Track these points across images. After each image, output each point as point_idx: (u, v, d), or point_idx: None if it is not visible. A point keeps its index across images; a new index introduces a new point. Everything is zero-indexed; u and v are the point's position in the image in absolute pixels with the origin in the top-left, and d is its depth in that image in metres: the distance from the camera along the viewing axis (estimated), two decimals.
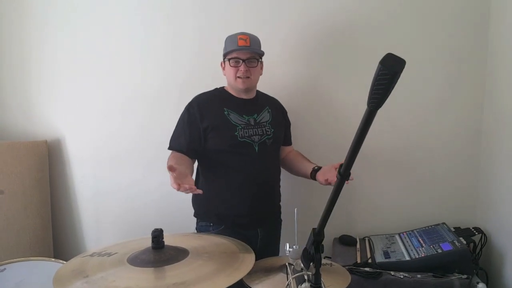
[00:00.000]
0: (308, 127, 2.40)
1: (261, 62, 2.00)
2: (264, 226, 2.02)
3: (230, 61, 1.92)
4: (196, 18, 2.43)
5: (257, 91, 2.09)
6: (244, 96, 2.01)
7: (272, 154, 2.05)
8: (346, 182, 0.92)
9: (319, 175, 1.92)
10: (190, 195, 2.06)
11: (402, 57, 0.68)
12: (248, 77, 1.93)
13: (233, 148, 1.90)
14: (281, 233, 2.16)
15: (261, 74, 2.03)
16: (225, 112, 1.94)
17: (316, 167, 1.99)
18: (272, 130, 2.01)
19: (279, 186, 2.13)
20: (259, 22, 2.35)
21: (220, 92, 2.04)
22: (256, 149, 1.93)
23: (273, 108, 2.10)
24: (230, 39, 1.94)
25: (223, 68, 2.01)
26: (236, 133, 1.91)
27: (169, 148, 1.96)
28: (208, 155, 1.94)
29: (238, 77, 1.92)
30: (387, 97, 0.70)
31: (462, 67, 2.25)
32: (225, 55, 1.96)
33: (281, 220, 2.15)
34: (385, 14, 2.28)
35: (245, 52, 1.90)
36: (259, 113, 2.02)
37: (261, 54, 1.98)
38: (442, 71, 2.27)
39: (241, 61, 1.91)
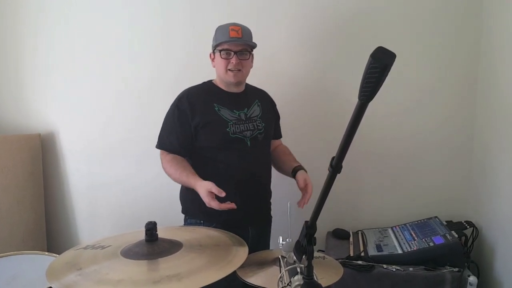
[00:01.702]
0: (302, 120, 2.42)
1: (252, 55, 1.94)
2: (255, 225, 1.96)
3: (221, 52, 1.85)
4: (188, 10, 2.43)
5: (246, 83, 2.03)
6: (233, 90, 1.95)
7: (263, 149, 2.01)
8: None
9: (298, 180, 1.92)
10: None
11: (394, 50, 0.68)
12: (240, 70, 1.87)
13: (224, 144, 1.86)
14: (271, 229, 2.12)
15: (251, 67, 1.97)
16: (216, 108, 1.88)
17: (294, 170, 1.95)
18: (263, 124, 1.96)
19: (270, 183, 2.08)
20: (254, 15, 2.35)
21: (208, 86, 1.98)
22: (248, 144, 1.89)
23: (262, 101, 2.05)
24: (221, 30, 1.88)
25: (213, 60, 1.95)
26: (228, 129, 1.86)
27: (159, 147, 1.93)
28: (198, 152, 1.89)
29: (229, 69, 1.86)
30: (377, 90, 0.70)
31: (455, 61, 2.27)
32: (215, 46, 1.89)
33: (271, 217, 2.10)
34: (378, 8, 2.29)
35: (237, 44, 1.84)
36: (249, 107, 1.97)
37: (253, 46, 1.92)
38: (435, 64, 2.29)
39: (232, 53, 1.84)
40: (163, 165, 1.90)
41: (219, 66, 1.89)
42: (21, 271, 1.69)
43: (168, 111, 1.93)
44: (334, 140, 0.99)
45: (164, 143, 1.91)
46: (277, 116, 2.17)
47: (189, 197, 1.97)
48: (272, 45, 2.35)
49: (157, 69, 2.49)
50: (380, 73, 0.67)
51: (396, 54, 0.68)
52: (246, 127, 1.91)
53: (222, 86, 1.96)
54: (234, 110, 1.91)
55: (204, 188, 1.69)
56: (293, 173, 1.97)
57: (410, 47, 2.27)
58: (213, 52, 1.93)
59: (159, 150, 1.95)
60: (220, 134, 1.86)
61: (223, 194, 1.65)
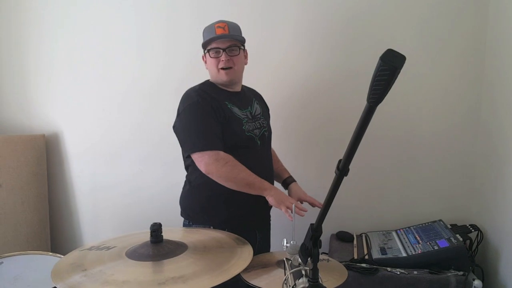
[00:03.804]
0: (309, 122, 2.42)
1: (245, 50, 1.88)
2: (261, 228, 1.94)
3: (210, 52, 1.79)
4: (194, 13, 2.43)
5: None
6: (233, 89, 1.89)
7: (269, 148, 2.00)
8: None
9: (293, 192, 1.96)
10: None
11: (399, 49, 0.68)
12: (231, 67, 1.80)
13: (240, 143, 1.79)
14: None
15: (246, 64, 1.90)
16: (228, 106, 1.81)
17: (285, 182, 2.01)
18: (266, 122, 1.95)
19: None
20: (260, 17, 2.36)
21: (210, 86, 1.88)
22: (258, 143, 1.86)
23: (258, 99, 2.03)
24: (208, 29, 1.82)
25: (205, 62, 1.88)
26: (243, 127, 1.80)
27: (209, 149, 1.71)
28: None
29: (221, 68, 1.79)
30: (386, 93, 0.70)
31: (460, 64, 2.26)
32: (204, 47, 1.83)
33: (270, 217, 2.07)
34: (385, 10, 2.29)
35: (224, 41, 1.77)
36: (251, 106, 1.93)
37: (242, 40, 1.85)
38: (440, 68, 2.27)
39: (221, 50, 1.78)
40: (223, 167, 1.70)
41: (211, 66, 1.83)
42: (25, 271, 1.69)
43: (190, 110, 1.76)
44: (342, 142, 0.99)
45: (207, 143, 1.72)
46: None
47: (196, 203, 1.89)
48: (278, 46, 2.36)
49: (163, 71, 2.49)
50: (389, 76, 0.67)
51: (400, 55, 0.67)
52: (255, 125, 1.87)
53: (220, 86, 1.88)
54: (241, 108, 1.86)
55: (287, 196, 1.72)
56: (284, 185, 2.01)
57: (417, 52, 2.25)
58: (204, 54, 1.88)
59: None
60: (238, 133, 1.79)
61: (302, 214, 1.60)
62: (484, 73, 2.23)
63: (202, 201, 1.86)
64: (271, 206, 1.99)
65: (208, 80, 1.93)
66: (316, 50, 2.36)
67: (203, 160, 1.72)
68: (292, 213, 1.57)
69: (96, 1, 2.52)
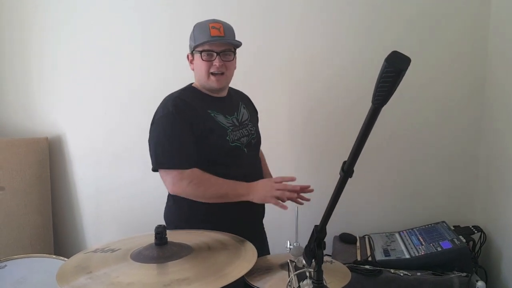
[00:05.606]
0: (314, 123, 2.42)
1: (235, 55, 1.75)
2: (255, 236, 1.75)
3: (202, 54, 1.65)
4: (198, 14, 2.41)
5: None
6: (219, 94, 1.77)
7: (257, 156, 1.89)
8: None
9: None
10: None
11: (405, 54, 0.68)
12: (223, 73, 1.68)
13: (225, 154, 1.69)
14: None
15: (235, 69, 1.77)
16: (212, 114, 1.69)
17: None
18: (254, 128, 1.84)
19: None
20: (263, 16, 2.37)
21: (193, 92, 1.76)
22: (245, 151, 1.75)
23: (246, 103, 1.91)
24: (200, 28, 1.67)
25: (191, 62, 1.75)
26: (227, 138, 1.69)
27: (173, 167, 1.64)
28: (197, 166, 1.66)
29: (212, 73, 1.67)
30: (391, 95, 0.70)
31: (462, 65, 2.26)
32: (194, 47, 1.68)
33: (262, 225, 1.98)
34: (388, 13, 2.29)
35: (219, 44, 1.65)
36: (238, 112, 1.80)
37: (238, 45, 1.72)
38: (443, 69, 2.28)
39: (215, 54, 1.65)
40: (187, 188, 1.62)
41: (200, 69, 1.69)
42: (28, 274, 1.70)
43: (162, 121, 1.68)
44: (347, 143, 0.99)
45: (178, 160, 1.62)
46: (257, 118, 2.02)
47: (181, 218, 1.78)
48: (281, 47, 2.37)
49: (166, 73, 2.49)
50: (394, 78, 0.67)
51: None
52: (242, 133, 1.76)
53: (205, 91, 1.76)
54: (227, 116, 1.74)
55: (269, 185, 1.61)
56: None
57: (419, 54, 2.25)
58: (192, 54, 1.73)
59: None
60: (222, 144, 1.68)
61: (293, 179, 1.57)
62: (486, 74, 2.23)
63: (187, 216, 1.75)
64: (263, 215, 1.93)
65: (191, 85, 1.81)
66: (320, 51, 2.37)
67: (167, 180, 1.67)
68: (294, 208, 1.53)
69: (99, 2, 2.52)
